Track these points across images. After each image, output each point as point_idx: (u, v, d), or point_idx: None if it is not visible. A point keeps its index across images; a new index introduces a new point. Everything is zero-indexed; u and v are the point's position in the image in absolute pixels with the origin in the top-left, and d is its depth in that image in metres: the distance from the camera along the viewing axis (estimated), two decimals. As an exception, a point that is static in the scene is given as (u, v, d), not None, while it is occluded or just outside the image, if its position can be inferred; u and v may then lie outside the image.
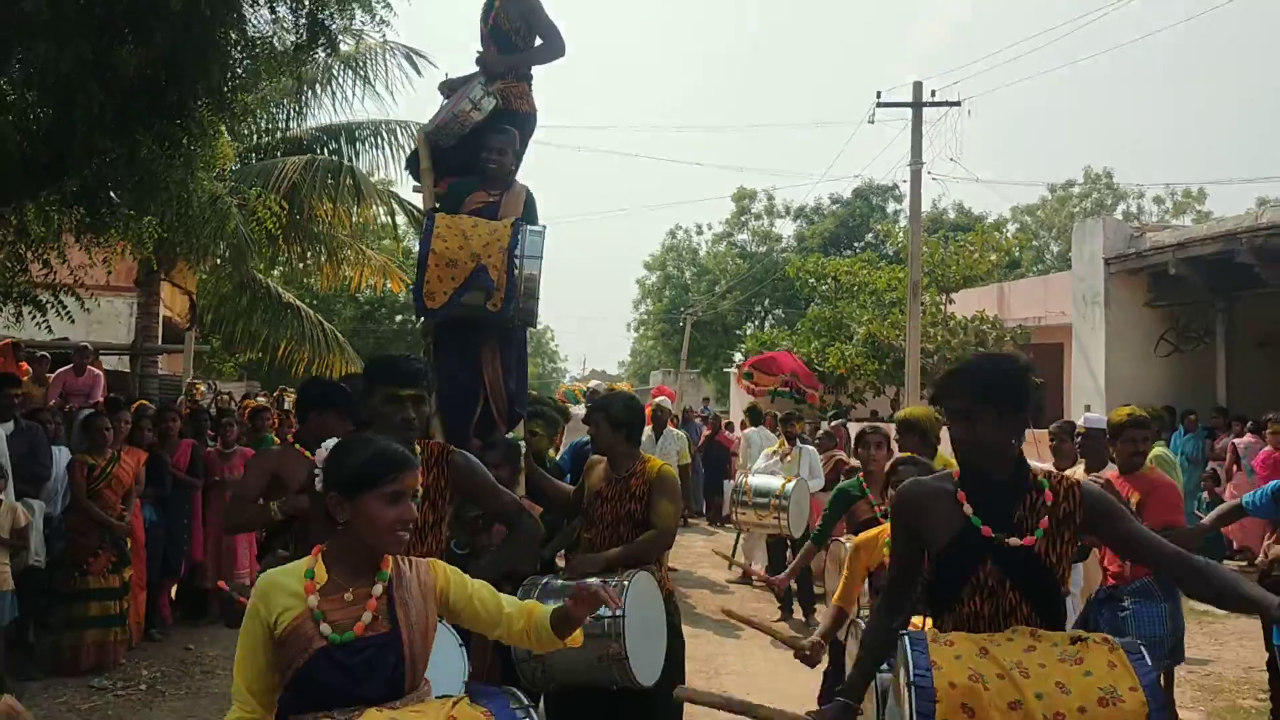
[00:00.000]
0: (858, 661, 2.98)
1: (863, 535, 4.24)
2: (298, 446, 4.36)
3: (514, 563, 3.77)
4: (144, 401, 10.02)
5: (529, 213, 5.22)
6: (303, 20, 7.49)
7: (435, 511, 3.46)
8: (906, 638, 2.52)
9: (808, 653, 4.15)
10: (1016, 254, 29.88)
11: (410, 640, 2.37)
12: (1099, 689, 2.36)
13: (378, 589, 2.38)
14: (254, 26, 7.90)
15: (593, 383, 16.18)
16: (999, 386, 2.69)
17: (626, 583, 3.87)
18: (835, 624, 4.27)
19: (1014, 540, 2.64)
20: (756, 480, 9.01)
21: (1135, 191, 40.04)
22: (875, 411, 21.56)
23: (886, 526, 4.02)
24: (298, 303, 16.90)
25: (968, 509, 2.70)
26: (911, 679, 2.39)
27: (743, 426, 12.35)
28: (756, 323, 39.36)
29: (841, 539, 5.07)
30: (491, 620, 2.55)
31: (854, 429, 13.66)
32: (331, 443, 2.72)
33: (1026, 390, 2.73)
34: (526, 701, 2.33)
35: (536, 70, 5.64)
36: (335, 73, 14.28)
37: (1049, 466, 5.66)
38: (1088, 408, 13.07)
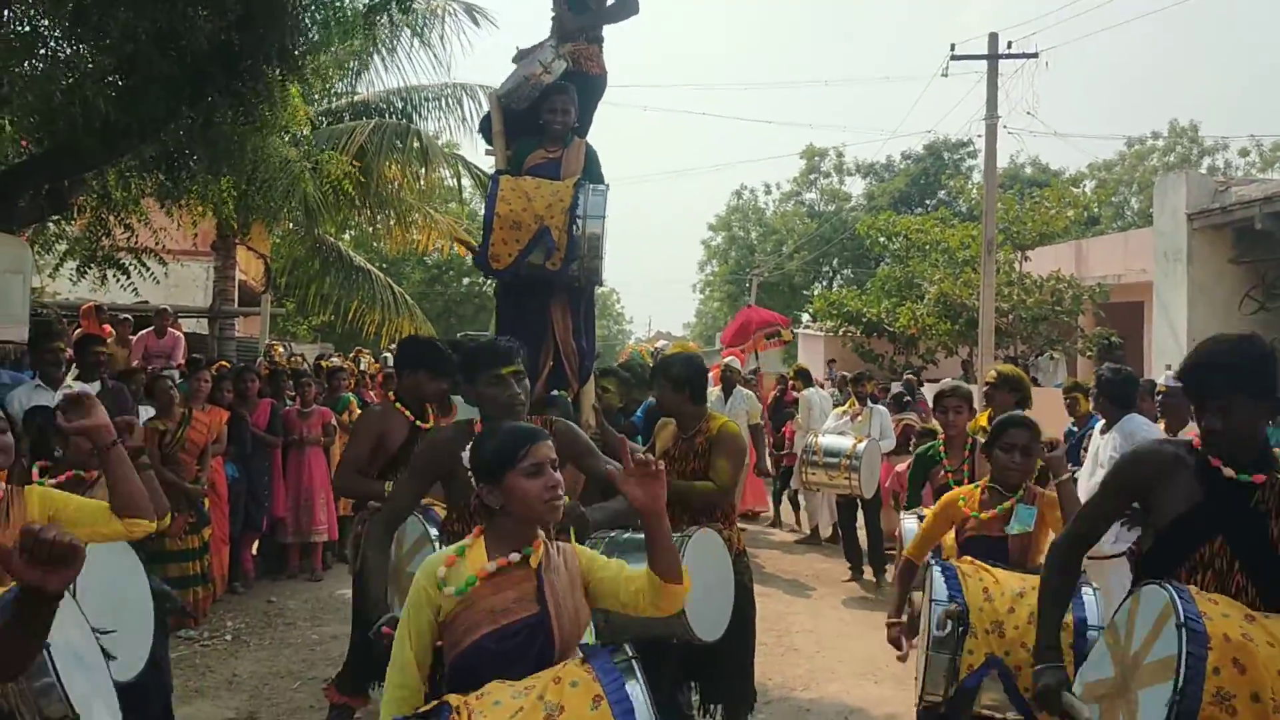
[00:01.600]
0: (1045, 617, 2.89)
1: (959, 490, 4.02)
2: (398, 405, 4.45)
3: (618, 523, 3.81)
4: (224, 363, 10.28)
5: (591, 167, 5.22)
6: (373, -19, 7.53)
7: None
8: (1170, 586, 2.43)
9: (892, 640, 4.02)
10: (1095, 210, 29.06)
11: (560, 623, 2.45)
12: None
13: (513, 555, 2.47)
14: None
15: (660, 342, 16.15)
16: (1252, 372, 2.59)
17: (686, 538, 3.87)
18: (904, 582, 4.08)
19: (1245, 476, 2.57)
20: (827, 440, 8.93)
21: (1220, 144, 38.69)
22: (961, 375, 21.29)
23: (982, 483, 3.95)
24: (368, 266, 17.16)
25: (1224, 466, 2.61)
26: (1183, 620, 2.30)
27: (794, 389, 12.16)
28: (825, 283, 38.95)
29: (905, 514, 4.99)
30: (614, 589, 2.56)
31: (925, 391, 13.49)
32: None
33: (1276, 372, 2.63)
34: (631, 653, 2.34)
35: (605, 28, 5.60)
36: (397, 31, 14.32)
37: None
38: (1169, 367, 12.73)
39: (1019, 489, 3.84)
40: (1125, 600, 2.62)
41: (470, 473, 2.73)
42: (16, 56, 7.84)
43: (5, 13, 7.75)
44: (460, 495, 3.46)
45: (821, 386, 13.96)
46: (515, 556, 2.47)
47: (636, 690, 2.24)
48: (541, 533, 2.56)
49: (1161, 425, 5.98)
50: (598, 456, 3.67)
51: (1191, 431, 5.36)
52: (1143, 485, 2.76)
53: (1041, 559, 3.80)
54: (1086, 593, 3.42)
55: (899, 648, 4.00)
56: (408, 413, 4.42)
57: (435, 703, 2.27)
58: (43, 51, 8.07)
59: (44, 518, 2.72)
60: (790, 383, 12.40)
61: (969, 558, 3.66)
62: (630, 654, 2.34)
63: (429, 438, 3.78)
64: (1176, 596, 2.38)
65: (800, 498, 11.37)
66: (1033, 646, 2.95)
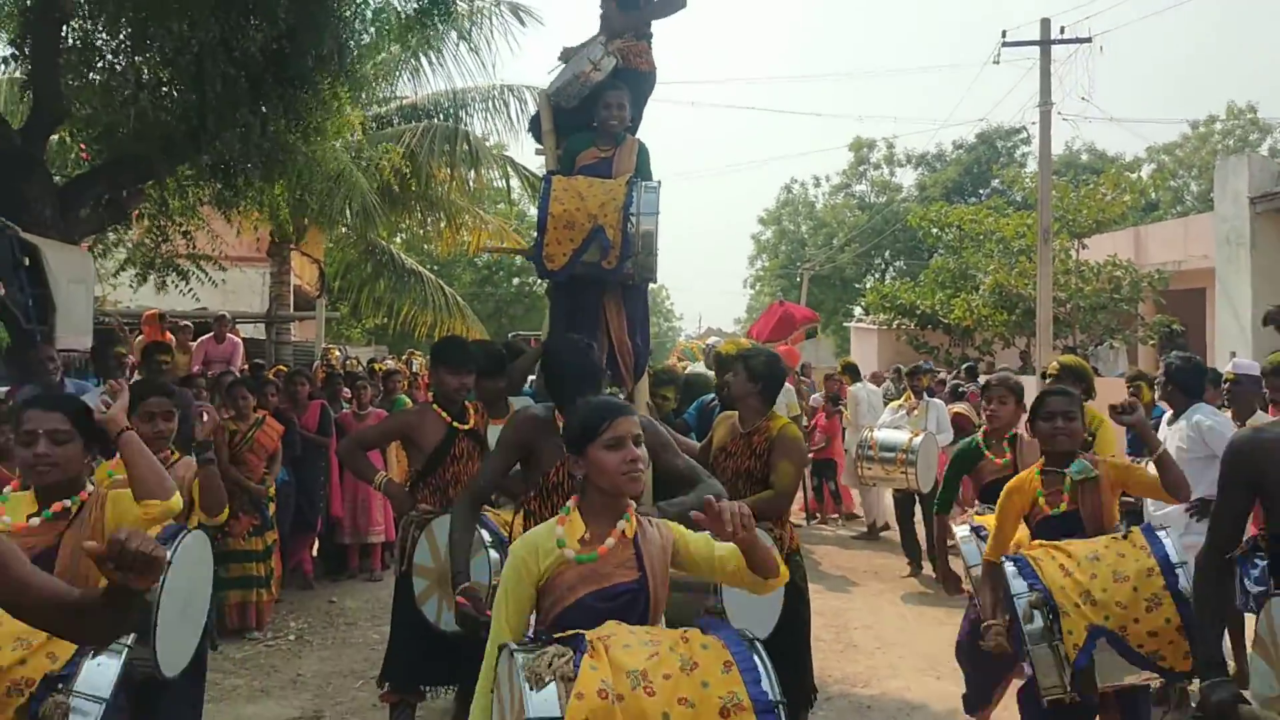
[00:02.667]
0: (1203, 630, 2.85)
1: (1016, 479, 3.95)
2: (435, 407, 4.47)
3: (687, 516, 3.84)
4: (281, 366, 10.43)
5: (642, 165, 5.19)
6: (419, -14, 7.60)
7: None
8: None
9: (992, 644, 3.90)
10: (1153, 195, 28.45)
11: (654, 587, 2.60)
12: None
13: (620, 524, 2.59)
14: (373, -5, 8.06)
15: (711, 339, 16.07)
16: None
17: None
18: (992, 585, 3.92)
19: None
20: (883, 434, 8.84)
21: (1281, 125, 37.64)
22: (1019, 366, 20.98)
23: (1035, 470, 3.89)
24: (419, 268, 17.32)
25: None
26: None
27: (847, 382, 12.02)
28: (877, 275, 38.60)
29: (967, 512, 4.91)
30: (709, 565, 2.69)
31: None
32: None
33: None
34: (752, 636, 2.45)
35: (653, 24, 5.56)
36: (442, 33, 14.43)
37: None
38: (1233, 354, 12.43)
39: (1070, 458, 3.78)
40: (1261, 612, 2.57)
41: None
42: (75, 70, 8.05)
43: (64, 29, 7.93)
44: (538, 474, 3.58)
45: (877, 381, 13.80)
46: (623, 524, 2.59)
47: (761, 662, 2.35)
48: (633, 503, 2.67)
49: (1229, 414, 5.84)
50: (675, 451, 3.68)
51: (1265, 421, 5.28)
52: (1255, 475, 2.68)
53: (1112, 524, 3.75)
54: (1161, 533, 3.42)
55: (1002, 651, 3.87)
56: (445, 414, 4.44)
57: (571, 632, 2.38)
58: (100, 65, 8.27)
59: (114, 520, 2.93)
60: (840, 378, 12.27)
61: (1037, 541, 3.62)
62: (751, 635, 2.45)
63: (517, 414, 3.84)
64: None
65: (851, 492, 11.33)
66: (1137, 611, 2.97)
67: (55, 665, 2.49)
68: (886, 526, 10.93)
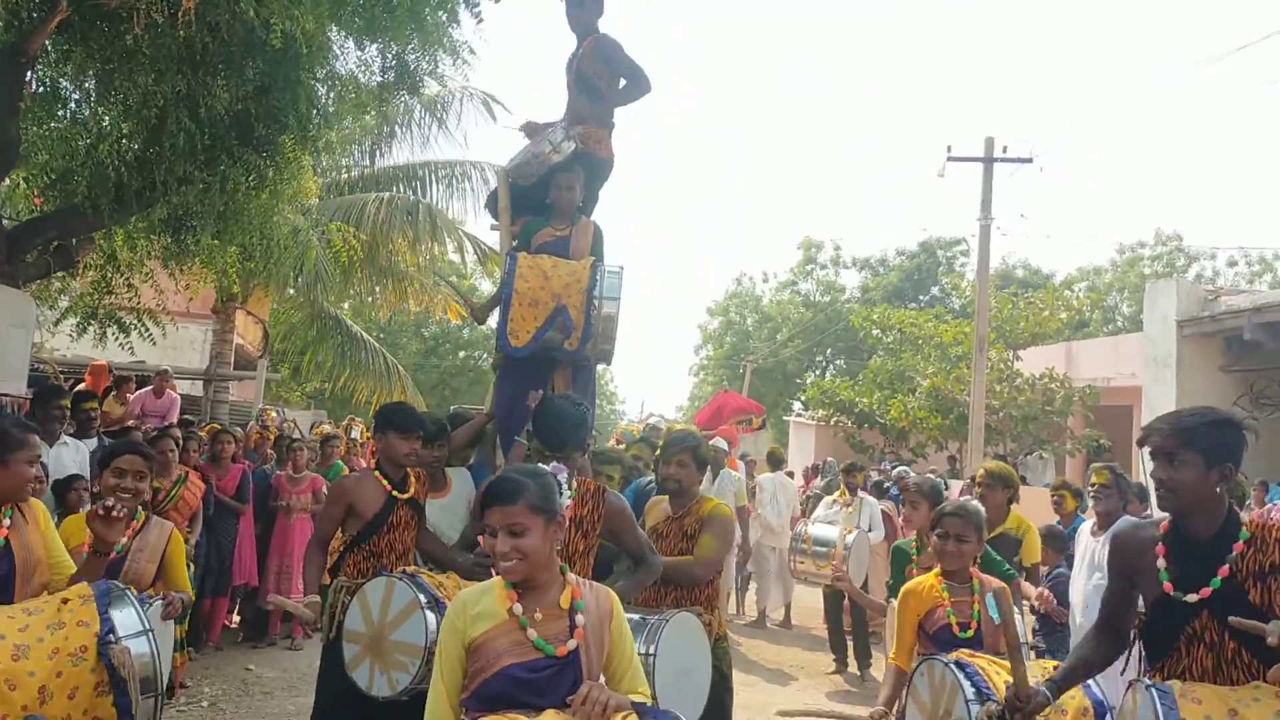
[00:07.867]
0: (1071, 668, 3.05)
1: (912, 582, 4.06)
2: (376, 474, 4.38)
3: (635, 593, 4.03)
4: (216, 425, 10.28)
5: (596, 246, 5.30)
6: (390, 61, 7.73)
7: (585, 540, 3.78)
8: (1155, 691, 2.48)
9: None
10: (1087, 314, 29.39)
11: (588, 662, 2.53)
12: None
13: (576, 618, 2.54)
14: (342, 64, 8.18)
15: (652, 419, 16.12)
16: (1206, 431, 2.65)
17: (665, 621, 3.85)
18: (896, 685, 3.98)
19: (1191, 596, 2.62)
20: (816, 529, 8.92)
21: (1209, 254, 39.24)
22: (948, 470, 21.32)
23: (934, 573, 4.00)
24: (365, 335, 17.25)
25: (1161, 563, 2.70)
26: None
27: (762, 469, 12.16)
28: (818, 372, 39.17)
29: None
30: (614, 667, 2.61)
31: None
32: None
33: (1236, 441, 2.68)
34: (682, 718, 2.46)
35: (616, 112, 5.72)
36: (415, 114, 14.78)
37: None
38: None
39: (966, 577, 3.93)
40: (1128, 691, 2.66)
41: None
42: (35, 116, 8.02)
43: (29, 74, 7.93)
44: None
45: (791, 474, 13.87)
46: (565, 601, 2.55)
47: None
48: (571, 576, 2.64)
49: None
50: (634, 530, 3.94)
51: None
52: (1129, 567, 2.83)
53: (1002, 645, 3.85)
54: (1090, 682, 3.45)
55: None
56: (385, 482, 4.37)
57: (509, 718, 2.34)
58: (62, 112, 8.25)
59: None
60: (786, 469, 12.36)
61: (966, 650, 3.67)
62: (680, 717, 2.44)
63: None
64: (1159, 704, 2.44)
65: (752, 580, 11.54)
66: None
67: (94, 628, 2.98)
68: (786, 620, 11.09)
